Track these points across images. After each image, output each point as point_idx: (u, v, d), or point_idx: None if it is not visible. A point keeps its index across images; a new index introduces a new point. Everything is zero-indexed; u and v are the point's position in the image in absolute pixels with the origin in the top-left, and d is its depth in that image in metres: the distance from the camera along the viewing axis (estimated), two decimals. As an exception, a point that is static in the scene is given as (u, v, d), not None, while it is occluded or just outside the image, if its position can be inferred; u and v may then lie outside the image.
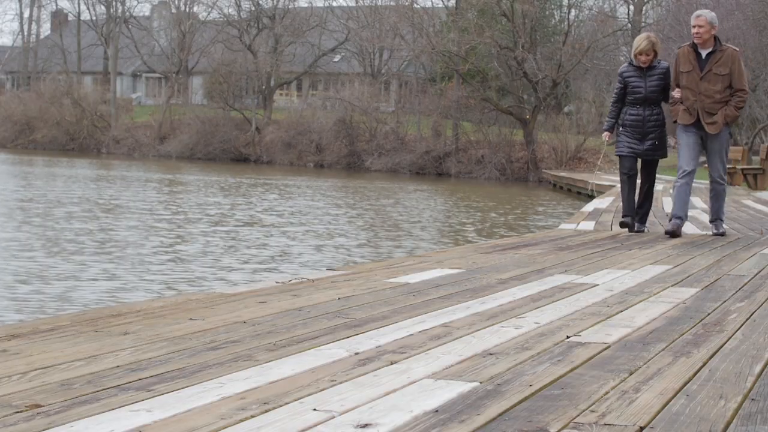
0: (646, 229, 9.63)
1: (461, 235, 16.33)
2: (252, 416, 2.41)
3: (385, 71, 57.53)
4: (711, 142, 9.08)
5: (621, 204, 10.03)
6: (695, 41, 8.98)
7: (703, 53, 8.99)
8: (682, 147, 9.09)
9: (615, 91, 9.58)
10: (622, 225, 9.57)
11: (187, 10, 62.95)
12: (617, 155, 9.57)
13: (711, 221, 9.51)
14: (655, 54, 9.26)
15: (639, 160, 9.57)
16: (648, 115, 9.30)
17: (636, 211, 9.60)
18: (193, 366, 3.01)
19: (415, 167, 46.91)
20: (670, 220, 9.14)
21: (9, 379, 2.79)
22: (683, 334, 3.82)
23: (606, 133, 9.79)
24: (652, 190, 9.69)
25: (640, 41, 9.35)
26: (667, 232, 9.01)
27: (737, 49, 9.09)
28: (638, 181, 9.58)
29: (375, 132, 49.87)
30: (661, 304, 4.68)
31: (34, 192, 23.58)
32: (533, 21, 44.81)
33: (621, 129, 9.42)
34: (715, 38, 9.00)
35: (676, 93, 9.08)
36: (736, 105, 8.97)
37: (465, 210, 23.14)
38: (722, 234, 9.24)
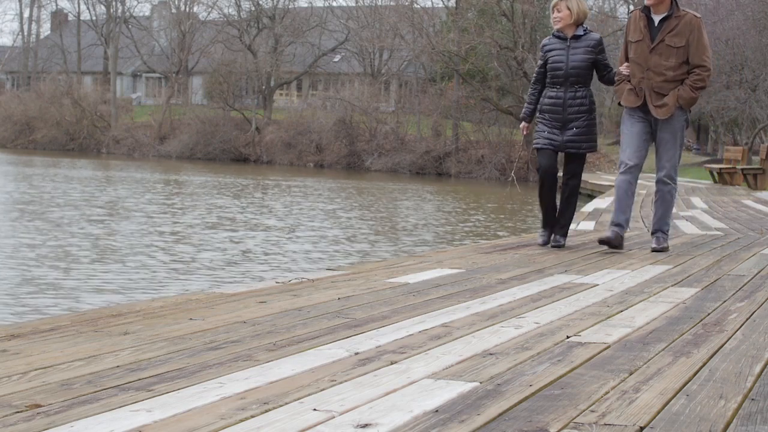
0: (563, 243, 7.69)
1: (461, 235, 16.33)
2: (252, 416, 2.41)
3: (385, 71, 57.53)
4: (660, 130, 7.34)
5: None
6: (646, 2, 7.33)
7: (656, 19, 7.27)
8: (625, 136, 7.41)
9: (536, 68, 7.80)
10: (541, 236, 7.71)
11: (187, 10, 62.95)
12: (534, 148, 7.74)
13: (652, 233, 7.61)
14: (579, 20, 7.53)
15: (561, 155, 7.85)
16: (570, 98, 7.47)
17: (557, 221, 7.73)
18: (193, 366, 3.01)
19: (415, 167, 46.92)
20: (609, 226, 7.44)
21: (9, 379, 2.79)
22: (683, 334, 3.82)
23: (523, 124, 7.89)
24: (576, 193, 7.72)
25: None
26: (601, 241, 7.40)
27: (698, 16, 7.33)
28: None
29: (375, 132, 49.89)
30: (661, 304, 4.68)
31: (34, 192, 23.58)
32: (533, 21, 44.81)
33: (538, 116, 7.67)
34: (673, 0, 7.29)
35: (623, 68, 7.41)
36: (692, 85, 7.18)
37: (465, 210, 23.14)
38: (662, 249, 7.46)
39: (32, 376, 2.83)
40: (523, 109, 7.84)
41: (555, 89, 7.52)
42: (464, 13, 46.77)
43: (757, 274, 6.10)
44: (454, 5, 48.60)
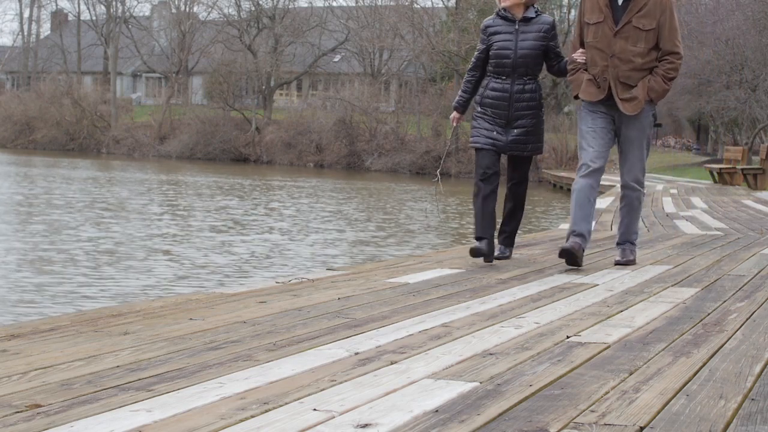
0: (510, 254, 6.73)
1: (461, 235, 16.33)
2: (252, 416, 2.41)
3: (385, 71, 57.54)
4: (626, 128, 6.29)
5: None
6: None
7: None
8: (586, 134, 6.29)
9: (475, 53, 6.65)
10: (474, 252, 6.34)
11: (187, 10, 62.96)
12: (472, 147, 6.63)
13: (618, 243, 6.63)
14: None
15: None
16: (518, 91, 6.42)
17: (500, 229, 6.71)
18: (193, 366, 3.01)
19: (415, 167, 46.93)
20: (568, 237, 6.25)
21: (9, 379, 2.79)
22: (683, 334, 3.82)
23: (455, 114, 6.72)
24: (523, 200, 6.71)
25: None
26: (561, 254, 6.15)
27: None
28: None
29: (375, 132, 49.91)
30: (661, 304, 4.68)
31: (36, 192, 23.58)
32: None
33: (478, 109, 6.54)
34: None
35: (578, 55, 6.31)
36: (665, 74, 6.16)
37: (465, 211, 23.13)
38: (628, 263, 6.45)
39: (32, 376, 2.83)
40: (457, 98, 6.67)
41: (500, 80, 6.45)
42: (464, 13, 46.78)
43: (757, 274, 6.10)
44: (454, 5, 48.62)
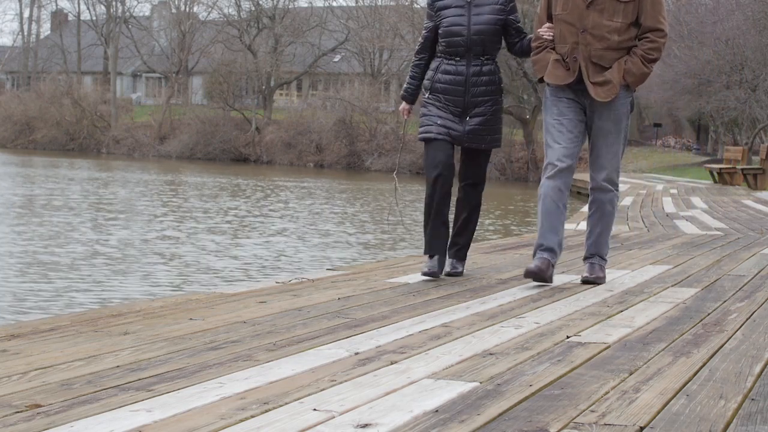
0: (462, 270, 5.71)
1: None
2: (252, 416, 2.41)
3: (385, 71, 57.54)
4: (599, 118, 5.35)
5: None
6: None
7: None
8: (550, 127, 5.39)
9: (423, 31, 5.76)
10: (428, 274, 5.44)
11: (187, 10, 62.99)
12: (421, 139, 5.65)
13: (585, 258, 5.58)
14: None
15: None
16: (474, 74, 5.54)
17: (452, 241, 5.69)
18: (193, 366, 3.01)
19: (416, 167, 46.86)
20: (535, 252, 5.39)
21: (9, 379, 2.79)
22: (683, 334, 3.82)
23: (404, 105, 5.80)
24: (479, 206, 5.77)
25: None
26: (527, 274, 5.26)
27: None
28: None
29: (375, 132, 49.91)
30: (661, 304, 4.68)
31: (39, 192, 23.58)
32: (534, 20, 44.83)
33: (428, 96, 5.62)
34: None
35: (544, 30, 5.40)
36: (644, 55, 5.23)
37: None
38: (596, 281, 5.43)
39: (32, 376, 2.83)
40: (405, 86, 5.79)
41: (453, 62, 5.57)
42: (464, 13, 46.76)
43: (757, 274, 6.10)
44: (454, 5, 48.56)
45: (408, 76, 5.79)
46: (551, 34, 5.35)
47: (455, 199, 5.72)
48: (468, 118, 5.53)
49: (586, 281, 5.44)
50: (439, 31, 5.59)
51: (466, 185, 5.68)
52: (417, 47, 5.75)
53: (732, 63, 33.36)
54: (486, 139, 5.57)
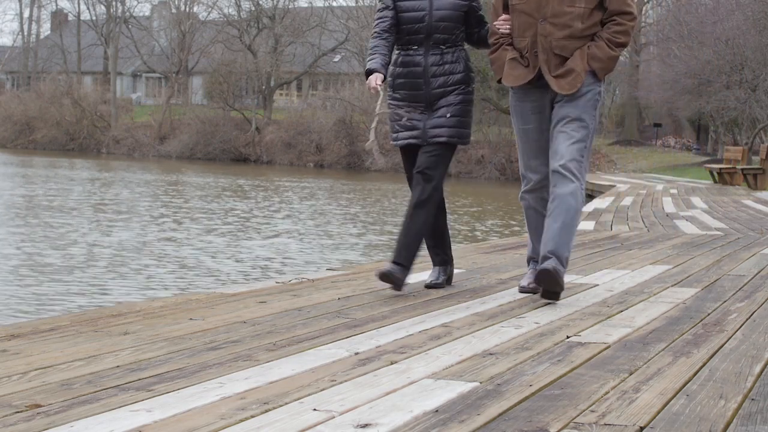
0: (443, 281, 5.17)
1: (462, 235, 16.32)
2: (252, 416, 2.41)
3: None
4: (560, 106, 4.76)
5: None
6: None
7: None
8: (521, 136, 4.97)
9: (377, 14, 5.15)
10: (383, 276, 4.78)
11: (187, 10, 62.97)
12: (394, 145, 5.26)
13: (540, 258, 4.70)
14: None
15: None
16: (434, 63, 5.03)
17: (432, 250, 5.22)
18: (193, 366, 3.01)
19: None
20: (528, 262, 5.12)
21: (9, 379, 2.79)
22: (683, 334, 3.82)
23: (375, 75, 4.93)
24: (426, 201, 5.01)
25: None
26: (521, 290, 4.93)
27: None
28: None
29: (375, 132, 49.85)
30: (661, 304, 4.68)
31: (33, 194, 23.58)
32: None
33: (393, 96, 5.14)
34: None
35: (501, 23, 4.89)
36: (611, 38, 4.71)
37: (466, 211, 23.14)
38: (553, 297, 4.62)
39: (32, 376, 2.83)
40: (373, 59, 5.00)
41: (411, 51, 5.05)
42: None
43: (757, 274, 6.10)
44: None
45: (377, 52, 5.03)
46: (508, 27, 4.85)
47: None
48: (432, 113, 5.04)
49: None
50: (398, 17, 5.05)
51: (417, 173, 5.06)
52: (377, 29, 5.07)
53: (732, 63, 33.35)
54: (452, 132, 5.02)
